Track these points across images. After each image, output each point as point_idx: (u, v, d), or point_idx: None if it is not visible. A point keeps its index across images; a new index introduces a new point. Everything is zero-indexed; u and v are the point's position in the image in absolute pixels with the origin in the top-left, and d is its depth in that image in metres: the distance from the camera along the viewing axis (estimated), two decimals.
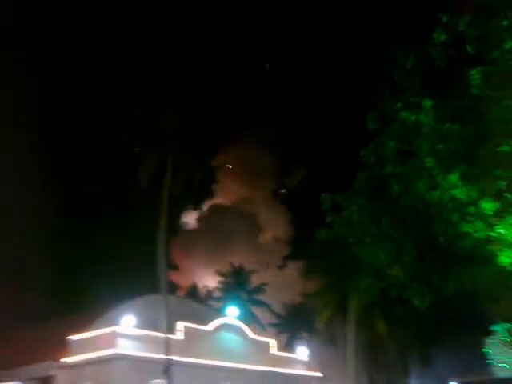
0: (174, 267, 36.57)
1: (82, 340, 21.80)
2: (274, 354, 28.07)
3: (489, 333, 22.15)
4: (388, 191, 13.63)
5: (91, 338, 21.62)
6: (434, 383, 31.20)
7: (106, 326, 21.65)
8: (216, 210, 55.78)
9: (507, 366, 22.58)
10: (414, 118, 11.91)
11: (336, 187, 16.03)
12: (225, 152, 51.36)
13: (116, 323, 21.42)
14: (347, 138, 31.59)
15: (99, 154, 39.39)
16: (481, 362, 24.42)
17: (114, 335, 21.09)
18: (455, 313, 21.79)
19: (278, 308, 41.79)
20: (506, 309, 13.66)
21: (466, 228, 12.42)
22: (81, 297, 32.84)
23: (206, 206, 56.01)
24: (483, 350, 24.41)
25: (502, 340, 19.94)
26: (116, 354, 20.44)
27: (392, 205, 13.56)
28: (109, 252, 38.26)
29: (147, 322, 22.03)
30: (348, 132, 32.13)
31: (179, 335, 23.55)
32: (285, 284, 42.33)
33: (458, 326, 24.93)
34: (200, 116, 26.06)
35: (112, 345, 20.76)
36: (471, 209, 12.15)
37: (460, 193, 11.71)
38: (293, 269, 42.21)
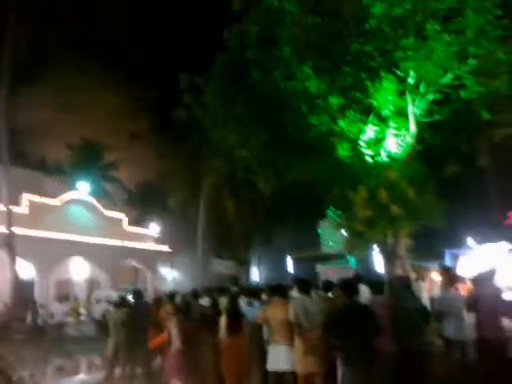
0: (18, 135, 33.21)
1: None
2: (125, 229, 28.45)
3: (323, 217, 24.62)
4: (247, 77, 13.76)
5: None
6: (273, 259, 34.71)
7: None
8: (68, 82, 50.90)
9: (334, 244, 25.68)
10: (277, 4, 11.84)
11: (198, 69, 15.74)
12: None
13: None
14: (212, 19, 30.28)
15: None
16: (315, 241, 27.47)
17: None
18: (297, 198, 23.75)
19: (131, 185, 41.23)
20: (337, 196, 15.10)
21: (313, 120, 13.21)
22: None
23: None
24: (317, 231, 27.38)
25: (332, 223, 22.45)
26: None
27: (249, 91, 13.80)
28: None
29: None
30: (213, 13, 30.84)
31: (23, 208, 22.55)
32: (139, 161, 41.39)
33: (298, 210, 27.33)
34: None
35: None
36: (320, 102, 12.87)
37: (311, 85, 12.23)
38: (148, 146, 40.85)
